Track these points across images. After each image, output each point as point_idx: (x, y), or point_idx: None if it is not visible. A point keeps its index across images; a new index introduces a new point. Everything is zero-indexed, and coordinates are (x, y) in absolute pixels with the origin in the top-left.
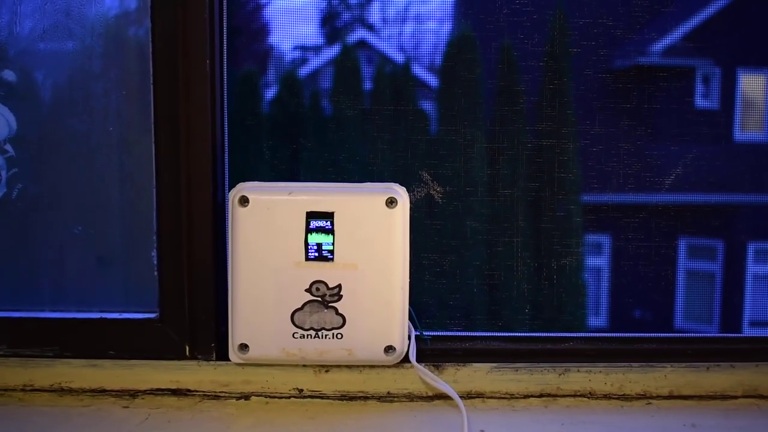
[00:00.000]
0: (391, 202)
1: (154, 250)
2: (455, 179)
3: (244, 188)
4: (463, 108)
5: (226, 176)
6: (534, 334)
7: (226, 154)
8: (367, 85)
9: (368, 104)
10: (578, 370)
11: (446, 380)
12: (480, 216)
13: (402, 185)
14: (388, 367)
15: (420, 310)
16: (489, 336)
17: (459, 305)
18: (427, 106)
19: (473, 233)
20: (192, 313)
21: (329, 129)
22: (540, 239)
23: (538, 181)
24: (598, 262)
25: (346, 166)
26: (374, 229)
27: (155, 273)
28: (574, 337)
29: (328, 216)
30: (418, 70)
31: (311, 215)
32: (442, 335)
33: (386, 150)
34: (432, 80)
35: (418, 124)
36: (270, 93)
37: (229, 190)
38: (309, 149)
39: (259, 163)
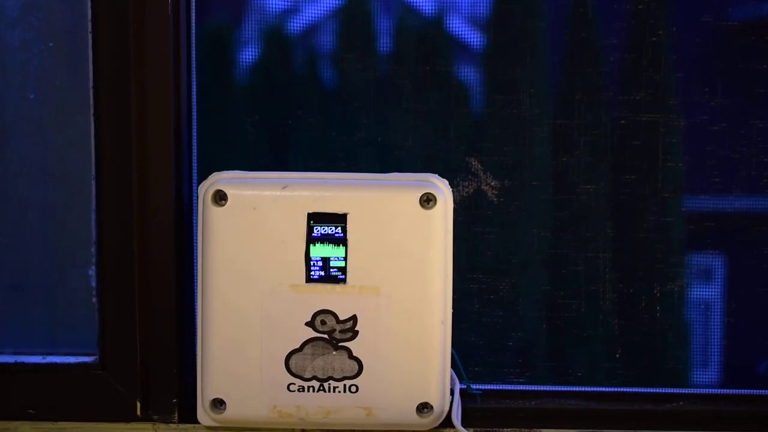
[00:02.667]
0: (427, 201)
1: (93, 268)
2: (516, 170)
3: (219, 180)
4: (528, 69)
5: (194, 164)
6: (628, 390)
7: (194, 134)
8: (390, 39)
9: (393, 66)
10: None
11: None
12: (551, 222)
13: (442, 177)
14: None
15: (466, 354)
16: (564, 391)
17: (521, 347)
18: (476, 67)
19: (541, 246)
20: (145, 356)
21: (339, 97)
22: (637, 255)
23: (635, 172)
24: (714, 290)
25: (362, 151)
26: (404, 238)
27: (93, 300)
28: (687, 394)
29: (339, 219)
30: (460, 19)
31: (315, 218)
32: (497, 389)
33: (419, 128)
34: (480, 32)
35: (463, 91)
36: (256, 48)
37: (199, 184)
38: (310, 127)
39: (241, 146)
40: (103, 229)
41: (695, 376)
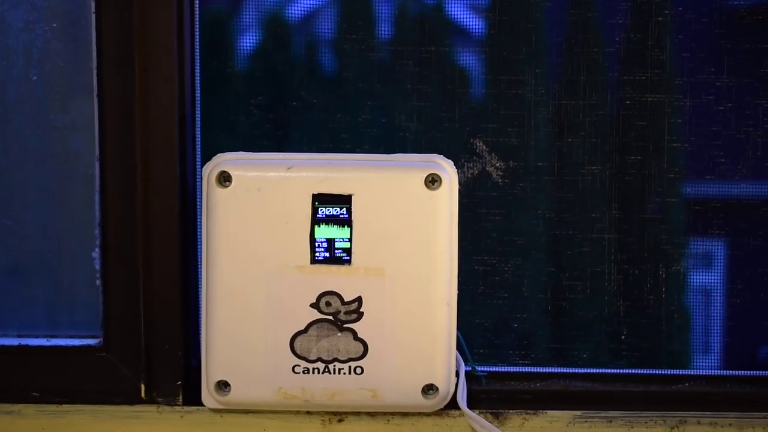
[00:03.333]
0: (432, 181)
1: (96, 250)
2: (521, 150)
3: (224, 161)
4: (532, 50)
5: (198, 145)
6: (634, 372)
7: (198, 115)
8: (392, 21)
9: (396, 47)
10: (699, 423)
11: None
12: (556, 203)
13: (447, 158)
14: (428, 415)
15: (472, 336)
16: (570, 373)
17: (526, 329)
18: (479, 47)
19: (547, 227)
20: (149, 338)
21: (344, 79)
22: (642, 236)
23: (640, 152)
24: (714, 276)
25: (367, 131)
26: (409, 219)
27: (97, 282)
28: (692, 375)
29: (344, 200)
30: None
31: (320, 199)
32: (503, 371)
33: (424, 109)
34: (484, 12)
35: (467, 72)
36: (261, 30)
37: (203, 165)
38: (314, 109)
39: (245, 126)
40: (107, 211)
41: (698, 359)
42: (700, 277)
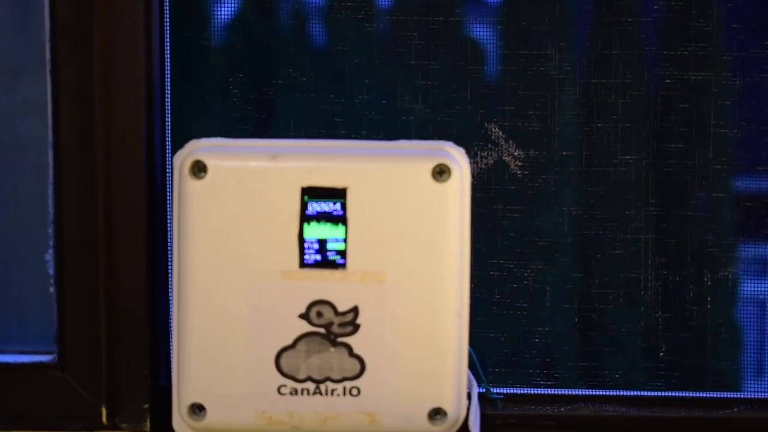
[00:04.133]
0: (440, 173)
1: (50, 252)
2: (544, 137)
3: (198, 149)
4: (557, 20)
5: (168, 130)
6: (674, 395)
7: (168, 95)
8: None
9: (398, 16)
10: None
11: None
12: (583, 199)
13: (458, 145)
14: None
15: (485, 353)
16: (600, 396)
17: (549, 345)
18: (496, 18)
19: (573, 226)
20: (112, 354)
21: (338, 53)
22: (684, 237)
23: (682, 140)
24: None
25: (364, 115)
26: (413, 216)
27: (51, 289)
28: (742, 399)
29: (338, 194)
30: None
31: (310, 193)
32: (522, 393)
33: (430, 89)
34: None
35: (481, 47)
36: None
37: (174, 153)
38: (303, 88)
39: (222, 109)
40: (63, 207)
41: (749, 381)
42: (753, 285)
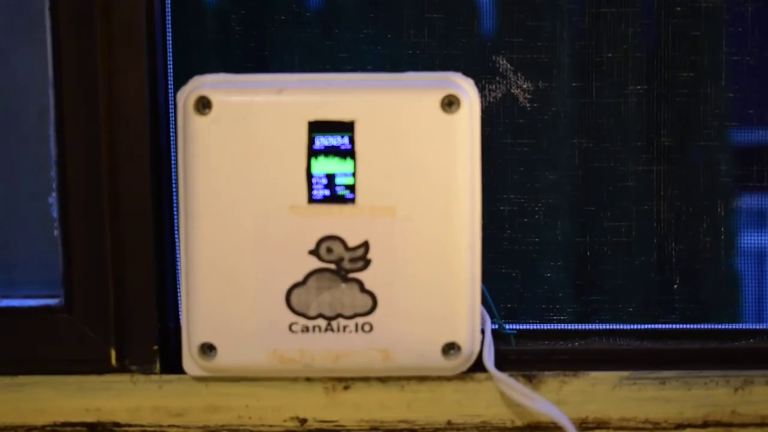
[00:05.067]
0: (449, 104)
1: (53, 194)
2: (553, 68)
3: (203, 85)
4: None
5: (170, 66)
6: (691, 326)
7: (170, 30)
8: None
9: None
10: (767, 383)
11: (547, 399)
12: (594, 130)
13: (467, 77)
14: (449, 379)
15: (497, 288)
16: (613, 329)
17: (561, 279)
18: None
19: (584, 159)
20: (119, 296)
21: None
22: (699, 168)
23: (693, 68)
24: None
25: (371, 48)
26: (423, 149)
27: (55, 232)
28: (755, 330)
29: (346, 128)
30: None
31: (317, 127)
32: (534, 329)
33: (436, 21)
34: None
35: None
36: None
37: (177, 89)
38: (307, 23)
39: (225, 45)
40: (65, 146)
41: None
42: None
